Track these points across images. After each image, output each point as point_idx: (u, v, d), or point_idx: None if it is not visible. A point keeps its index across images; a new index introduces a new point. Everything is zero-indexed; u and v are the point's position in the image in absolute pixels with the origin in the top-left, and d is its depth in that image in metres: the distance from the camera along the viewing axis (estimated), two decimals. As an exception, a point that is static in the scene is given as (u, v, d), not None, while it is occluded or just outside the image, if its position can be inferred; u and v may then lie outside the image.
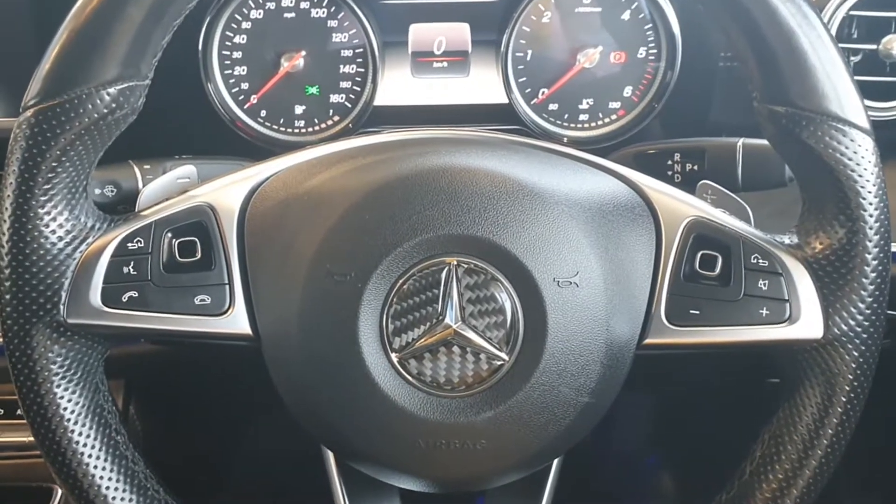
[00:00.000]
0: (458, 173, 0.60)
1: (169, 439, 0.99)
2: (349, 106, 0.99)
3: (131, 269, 0.59)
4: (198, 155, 0.83)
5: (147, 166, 0.76)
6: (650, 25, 0.95)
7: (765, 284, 0.61)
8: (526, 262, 0.58)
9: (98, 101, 0.56)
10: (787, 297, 0.61)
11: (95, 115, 0.57)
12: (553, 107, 0.99)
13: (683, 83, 0.96)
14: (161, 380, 0.93)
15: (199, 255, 0.60)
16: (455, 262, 0.58)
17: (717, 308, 0.61)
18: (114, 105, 0.57)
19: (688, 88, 0.97)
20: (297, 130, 0.99)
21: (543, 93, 0.98)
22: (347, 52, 0.97)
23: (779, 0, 0.57)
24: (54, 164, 0.57)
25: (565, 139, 0.99)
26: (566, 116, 0.99)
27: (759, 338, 0.61)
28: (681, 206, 0.63)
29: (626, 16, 0.95)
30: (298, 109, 0.99)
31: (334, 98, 0.99)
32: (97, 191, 0.74)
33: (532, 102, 0.99)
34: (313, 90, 0.98)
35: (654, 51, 0.97)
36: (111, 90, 0.57)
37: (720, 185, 0.70)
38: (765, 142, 0.66)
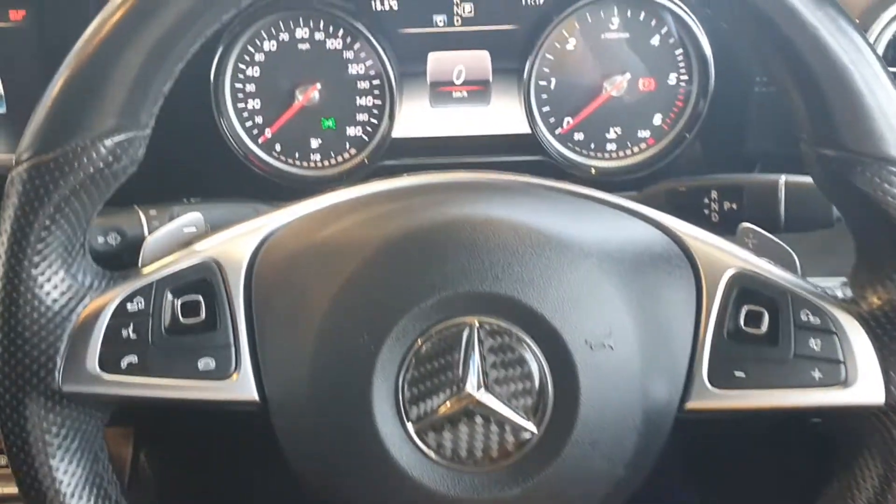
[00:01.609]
0: (480, 225, 0.56)
1: (180, 489, 0.96)
2: (366, 139, 0.95)
3: (131, 333, 0.55)
4: (208, 197, 0.80)
5: (153, 212, 0.73)
6: (680, 50, 0.91)
7: (817, 344, 0.56)
8: (554, 323, 0.53)
9: (94, 155, 0.53)
10: (842, 359, 0.56)
11: (91, 169, 0.53)
12: (579, 136, 0.95)
13: (716, 110, 0.91)
14: (171, 428, 0.90)
15: (203, 315, 0.56)
16: (476, 323, 0.53)
17: (764, 370, 0.56)
18: (111, 158, 0.53)
19: (721, 115, 0.92)
20: (312, 164, 0.96)
21: (568, 122, 0.94)
22: (364, 84, 0.93)
23: (829, 33, 0.52)
24: (48, 221, 0.53)
25: (593, 170, 0.94)
26: (592, 146, 0.95)
27: (811, 402, 0.56)
28: (722, 255, 0.58)
29: (655, 41, 0.91)
30: (314, 143, 0.95)
31: (351, 131, 0.95)
32: (100, 239, 0.70)
33: (556, 132, 0.95)
34: (329, 123, 0.94)
35: (685, 77, 0.92)
36: (108, 142, 0.53)
37: (761, 225, 0.65)
38: (809, 179, 0.61)
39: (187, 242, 0.62)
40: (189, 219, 0.65)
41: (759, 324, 0.57)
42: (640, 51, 0.91)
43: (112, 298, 0.56)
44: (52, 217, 0.53)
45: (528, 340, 0.54)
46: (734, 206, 0.73)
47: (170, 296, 0.56)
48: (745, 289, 0.57)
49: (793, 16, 0.51)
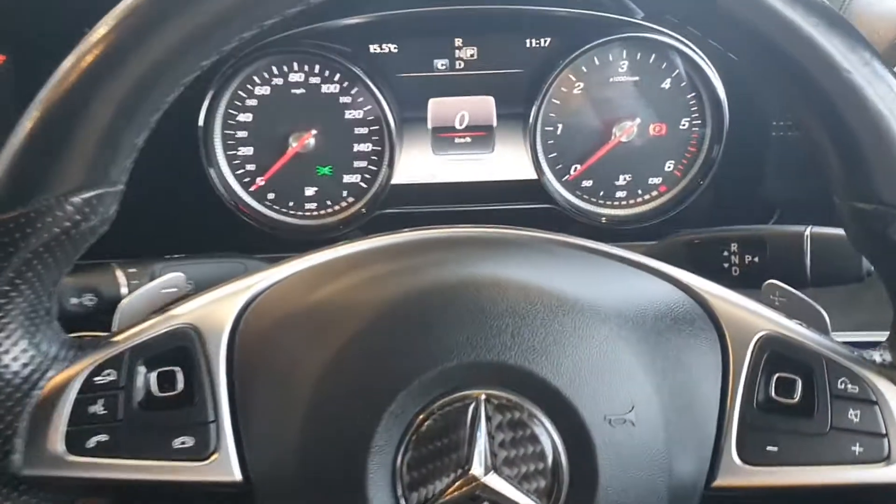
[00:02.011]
0: (486, 287, 0.51)
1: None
2: (364, 186, 0.91)
3: (100, 408, 0.50)
4: (194, 251, 0.75)
5: (132, 270, 0.67)
6: (693, 94, 0.87)
7: (856, 415, 0.51)
8: (570, 397, 0.48)
9: (59, 214, 0.48)
10: (884, 431, 0.50)
11: (56, 230, 0.48)
12: (587, 183, 0.90)
13: (732, 155, 0.87)
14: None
15: (180, 388, 0.51)
16: (483, 397, 0.48)
17: (799, 444, 0.51)
18: (78, 217, 0.48)
19: (737, 161, 0.87)
20: (307, 213, 0.91)
21: (576, 169, 0.89)
22: (362, 130, 0.89)
23: (865, 79, 0.47)
24: (6, 287, 0.48)
25: (603, 218, 0.90)
26: (601, 194, 0.90)
27: (851, 480, 0.51)
28: (750, 317, 0.53)
29: (665, 84, 0.87)
30: (309, 191, 0.91)
31: (348, 178, 0.91)
32: (73, 300, 0.65)
33: (564, 179, 0.90)
34: (325, 170, 0.90)
35: (698, 121, 0.87)
36: (75, 200, 0.48)
37: (785, 280, 0.60)
38: (836, 230, 0.56)
39: (166, 306, 0.57)
40: (170, 279, 0.60)
41: (792, 393, 0.52)
42: (651, 94, 0.87)
43: (80, 371, 0.50)
44: (12, 282, 0.48)
45: (541, 416, 0.48)
46: (756, 259, 0.69)
47: (143, 367, 0.51)
48: (776, 354, 0.52)
49: (826, 62, 0.47)
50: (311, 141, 0.88)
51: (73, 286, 0.66)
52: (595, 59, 0.86)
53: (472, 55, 0.88)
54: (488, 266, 0.53)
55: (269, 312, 0.53)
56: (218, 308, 0.54)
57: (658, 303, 0.54)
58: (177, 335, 0.52)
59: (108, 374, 0.50)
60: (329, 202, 0.91)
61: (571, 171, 0.90)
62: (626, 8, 0.85)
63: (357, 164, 0.90)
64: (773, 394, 0.52)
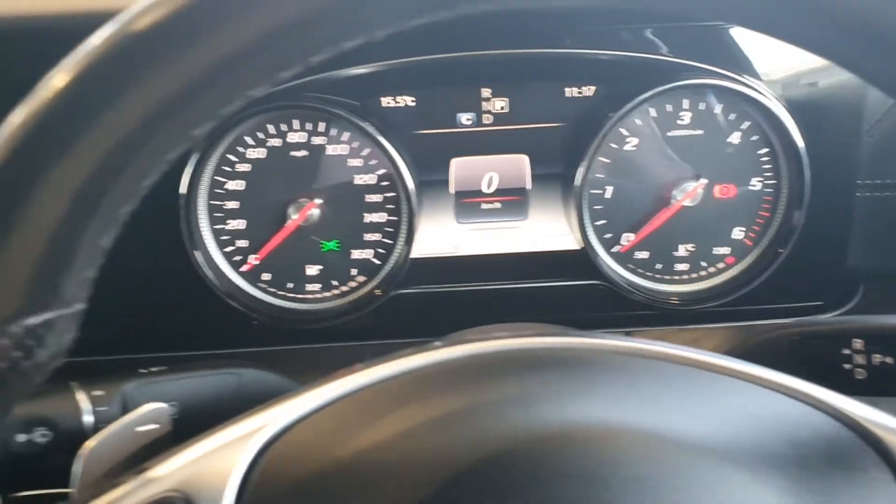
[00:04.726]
0: (592, 440, 0.37)
1: None
2: (377, 262, 0.76)
3: None
4: (171, 350, 0.60)
5: (98, 392, 0.52)
6: (766, 149, 0.74)
7: None
8: None
9: None
10: None
11: None
12: (641, 255, 0.77)
13: (811, 221, 0.74)
14: None
15: None
16: None
17: None
18: (17, 354, 0.34)
19: (815, 227, 0.74)
20: (309, 297, 0.77)
21: (629, 239, 0.76)
22: (374, 197, 0.75)
23: None
24: None
25: (673, 298, 0.76)
26: (658, 267, 0.77)
27: None
28: None
29: (734, 138, 0.74)
30: (311, 270, 0.76)
31: (357, 254, 0.76)
32: (21, 437, 0.49)
33: (613, 250, 0.77)
34: (331, 245, 0.76)
35: (773, 181, 0.75)
36: (12, 329, 0.33)
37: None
38: None
39: (143, 456, 0.42)
40: (148, 412, 0.45)
41: None
42: (717, 151, 0.74)
43: None
44: None
45: None
46: (887, 359, 0.55)
47: None
48: None
49: None
50: (315, 212, 0.74)
51: (22, 418, 0.50)
52: (650, 109, 0.73)
53: (502, 108, 0.75)
54: (588, 404, 0.39)
55: (288, 472, 0.39)
56: (216, 464, 0.39)
57: (802, 435, 0.40)
58: None
59: None
60: (335, 283, 0.77)
61: (622, 241, 0.76)
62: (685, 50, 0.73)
63: (368, 237, 0.76)
64: None
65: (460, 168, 0.76)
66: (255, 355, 0.73)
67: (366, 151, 0.74)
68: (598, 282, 0.76)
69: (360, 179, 0.75)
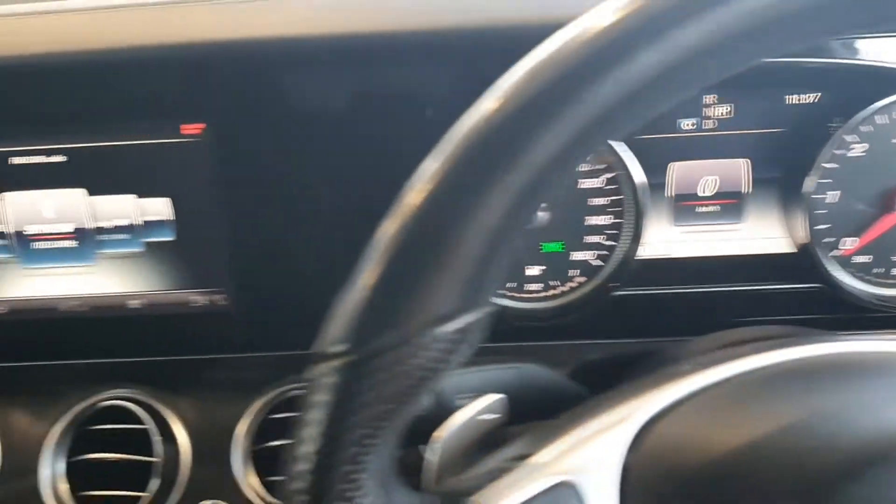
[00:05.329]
0: None
1: None
2: (597, 263, 0.79)
3: None
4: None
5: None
6: None
7: None
8: None
9: (431, 347, 0.37)
10: None
11: (424, 366, 0.37)
12: (862, 259, 0.78)
13: None
14: None
15: None
16: None
17: None
18: (448, 350, 0.37)
19: None
20: (528, 296, 0.80)
21: (854, 242, 0.77)
22: (599, 200, 0.77)
23: None
24: (366, 437, 0.37)
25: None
26: (877, 272, 0.78)
27: None
28: None
29: (963, 144, 0.75)
30: (533, 270, 0.79)
31: (577, 255, 0.79)
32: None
33: (832, 254, 0.78)
34: (555, 247, 0.79)
35: None
36: (447, 329, 0.37)
37: None
38: None
39: (493, 441, 0.45)
40: (491, 403, 0.49)
41: None
42: (946, 156, 0.75)
43: None
44: (373, 429, 0.37)
45: None
46: None
47: None
48: None
49: None
50: (544, 215, 0.77)
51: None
52: (875, 117, 0.74)
53: (727, 113, 0.76)
54: None
55: (665, 461, 0.41)
56: (594, 453, 0.42)
57: None
58: (557, 498, 0.40)
59: None
60: (556, 282, 0.80)
61: (841, 245, 0.77)
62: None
63: (588, 238, 0.79)
64: None
65: (679, 172, 0.78)
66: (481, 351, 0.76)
67: (591, 156, 0.76)
68: (817, 285, 0.78)
69: (583, 184, 0.77)
